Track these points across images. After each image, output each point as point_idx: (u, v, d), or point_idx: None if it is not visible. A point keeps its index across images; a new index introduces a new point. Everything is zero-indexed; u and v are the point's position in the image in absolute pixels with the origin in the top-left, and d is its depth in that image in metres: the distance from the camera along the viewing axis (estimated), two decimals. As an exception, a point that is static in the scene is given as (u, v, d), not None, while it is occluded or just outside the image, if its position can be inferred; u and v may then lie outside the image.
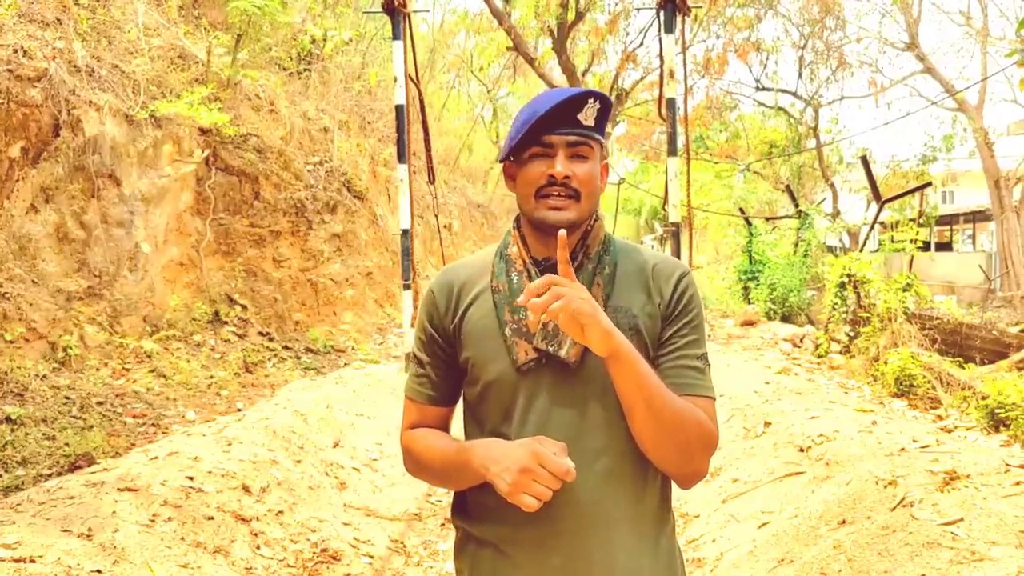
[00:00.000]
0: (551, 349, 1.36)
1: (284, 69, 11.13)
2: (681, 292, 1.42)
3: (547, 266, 1.41)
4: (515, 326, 1.39)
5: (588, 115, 1.36)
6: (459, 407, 1.57)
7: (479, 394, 1.45)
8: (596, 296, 1.39)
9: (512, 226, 1.49)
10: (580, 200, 1.37)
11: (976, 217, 23.75)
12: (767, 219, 17.62)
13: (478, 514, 1.45)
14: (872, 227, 12.02)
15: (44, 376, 5.48)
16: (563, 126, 1.35)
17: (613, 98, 15.70)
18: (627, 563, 1.39)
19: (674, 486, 1.47)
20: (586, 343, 1.26)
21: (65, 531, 3.04)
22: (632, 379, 1.28)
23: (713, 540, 3.97)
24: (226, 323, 7.97)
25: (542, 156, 1.37)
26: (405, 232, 5.42)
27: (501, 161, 1.46)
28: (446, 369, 1.50)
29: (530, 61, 14.82)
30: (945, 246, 24.62)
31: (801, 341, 10.19)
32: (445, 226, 14.20)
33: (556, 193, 1.36)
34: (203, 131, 8.08)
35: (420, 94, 5.58)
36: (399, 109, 5.10)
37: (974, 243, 25.50)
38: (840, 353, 8.56)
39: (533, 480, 1.24)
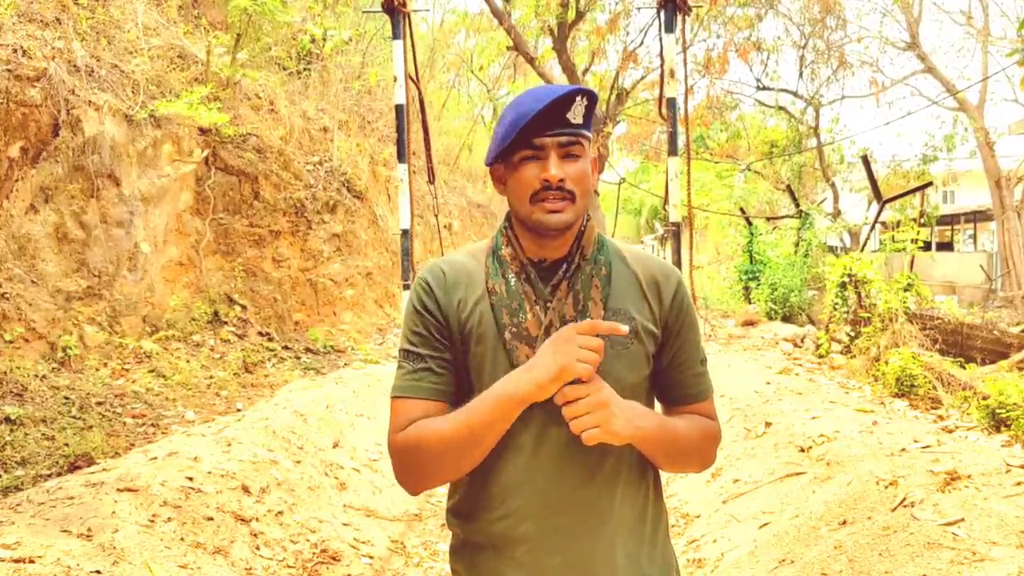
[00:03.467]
0: None
1: (284, 69, 11.12)
2: (681, 300, 1.46)
3: (543, 267, 1.40)
4: (515, 330, 1.36)
5: (576, 113, 1.32)
6: None
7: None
8: (595, 298, 1.38)
9: (503, 225, 1.45)
10: (575, 200, 1.34)
11: (977, 217, 23.72)
12: (768, 219, 17.61)
13: (475, 513, 1.42)
14: (873, 227, 12.00)
15: (43, 376, 5.47)
16: (553, 127, 1.31)
17: (613, 98, 15.69)
18: (627, 561, 1.39)
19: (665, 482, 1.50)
20: None
21: (65, 531, 3.04)
22: (648, 447, 1.36)
23: (714, 540, 3.96)
24: (226, 323, 7.96)
25: (533, 159, 1.33)
26: (405, 232, 5.40)
27: (489, 165, 1.42)
28: (448, 363, 1.39)
29: (530, 61, 14.80)
30: (946, 246, 24.58)
31: (802, 341, 10.19)
32: (445, 226, 14.20)
33: (552, 197, 1.33)
34: (203, 131, 8.07)
35: (420, 94, 5.57)
36: (399, 109, 5.09)
37: (975, 243, 25.44)
38: (841, 353, 8.55)
39: (578, 347, 1.24)
